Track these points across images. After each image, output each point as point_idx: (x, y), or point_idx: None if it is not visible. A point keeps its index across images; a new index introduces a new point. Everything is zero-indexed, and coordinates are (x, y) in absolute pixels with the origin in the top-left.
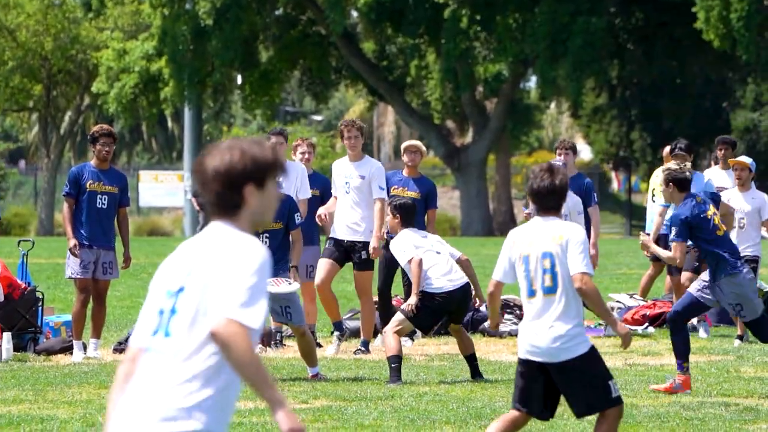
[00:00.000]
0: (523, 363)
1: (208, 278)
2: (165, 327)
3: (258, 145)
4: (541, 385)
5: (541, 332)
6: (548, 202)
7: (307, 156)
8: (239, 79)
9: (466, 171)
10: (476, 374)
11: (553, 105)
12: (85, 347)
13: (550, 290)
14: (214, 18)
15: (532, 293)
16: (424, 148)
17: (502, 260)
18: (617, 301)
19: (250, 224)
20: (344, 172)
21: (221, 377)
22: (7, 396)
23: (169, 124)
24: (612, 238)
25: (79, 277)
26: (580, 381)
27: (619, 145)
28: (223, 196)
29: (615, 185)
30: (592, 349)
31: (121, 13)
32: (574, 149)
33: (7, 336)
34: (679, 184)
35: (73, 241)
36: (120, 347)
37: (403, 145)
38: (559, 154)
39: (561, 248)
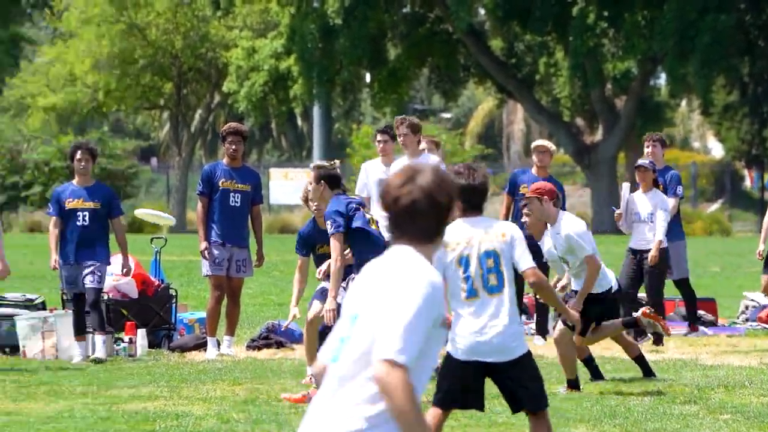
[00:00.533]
0: (464, 365)
1: (377, 309)
2: (338, 352)
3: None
4: (478, 384)
5: (491, 331)
6: (479, 199)
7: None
8: (368, 77)
9: (596, 169)
10: (648, 373)
11: (684, 103)
12: (219, 344)
13: (496, 289)
14: (342, 16)
15: (473, 293)
16: (553, 148)
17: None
18: (751, 300)
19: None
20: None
21: (377, 410)
22: (143, 392)
23: (299, 122)
24: (746, 235)
25: (213, 274)
26: (529, 376)
27: (751, 143)
28: (435, 226)
29: (748, 183)
30: (529, 350)
31: (249, 12)
32: (662, 142)
33: (141, 333)
34: (330, 181)
35: (203, 245)
36: (253, 344)
37: (532, 145)
38: (647, 147)
39: (506, 246)
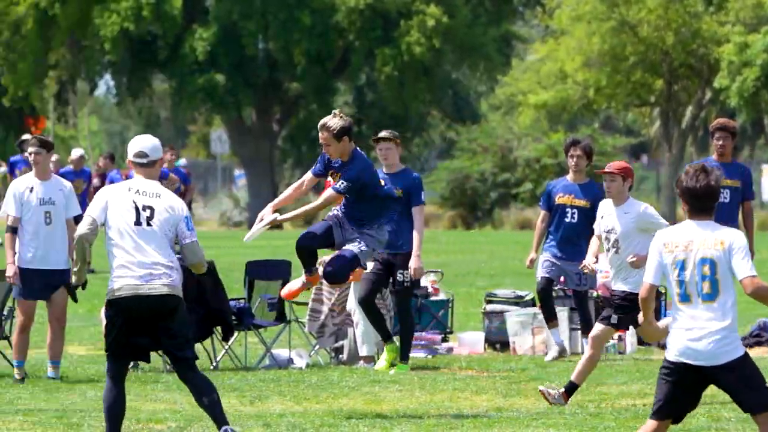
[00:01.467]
0: (677, 368)
1: None
2: None
3: None
4: (692, 390)
5: (702, 336)
6: (704, 203)
7: None
8: None
9: None
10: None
11: None
12: None
13: (709, 297)
14: None
15: (686, 299)
16: None
17: (654, 262)
18: None
19: None
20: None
21: None
22: (632, 389)
23: None
24: None
25: None
26: (744, 378)
27: None
28: None
29: None
30: (747, 353)
31: (742, 6)
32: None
33: (630, 330)
34: None
35: None
36: (744, 342)
37: None
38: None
39: (723, 254)
